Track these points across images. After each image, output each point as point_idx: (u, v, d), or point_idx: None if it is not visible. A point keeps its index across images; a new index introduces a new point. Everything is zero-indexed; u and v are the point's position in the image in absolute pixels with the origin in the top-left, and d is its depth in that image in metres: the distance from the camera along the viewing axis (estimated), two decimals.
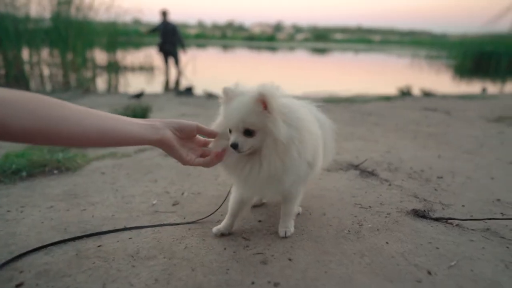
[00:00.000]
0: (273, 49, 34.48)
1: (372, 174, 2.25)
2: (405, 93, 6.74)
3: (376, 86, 10.08)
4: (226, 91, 1.24)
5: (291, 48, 37.11)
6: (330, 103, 5.53)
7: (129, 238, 1.43)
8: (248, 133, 1.18)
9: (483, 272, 1.23)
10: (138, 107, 3.82)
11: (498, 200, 1.89)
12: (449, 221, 1.62)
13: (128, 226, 1.54)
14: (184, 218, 1.64)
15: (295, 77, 12.80)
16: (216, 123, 1.32)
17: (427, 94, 6.74)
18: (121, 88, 9.99)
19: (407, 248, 1.39)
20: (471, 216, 1.67)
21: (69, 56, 8.98)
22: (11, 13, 7.82)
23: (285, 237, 1.45)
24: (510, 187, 2.09)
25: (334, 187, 2.01)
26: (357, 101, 5.78)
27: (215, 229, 1.48)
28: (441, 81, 13.10)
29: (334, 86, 9.52)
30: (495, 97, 7.24)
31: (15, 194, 1.90)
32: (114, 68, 10.49)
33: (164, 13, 9.94)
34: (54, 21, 8.56)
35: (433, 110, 4.99)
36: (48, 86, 8.67)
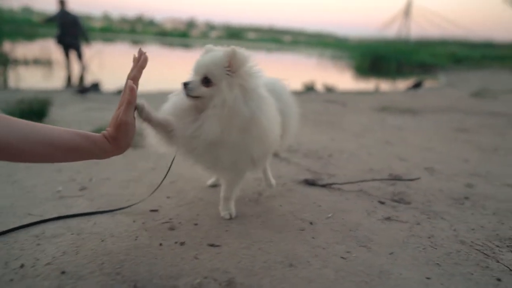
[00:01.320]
0: (186, 46, 33.95)
1: (273, 155, 2.52)
2: (310, 88, 7.40)
3: (285, 82, 10.77)
4: (207, 47, 1.31)
5: (205, 45, 37.05)
6: None
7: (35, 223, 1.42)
8: (206, 81, 1.19)
9: (351, 219, 1.55)
10: (35, 100, 3.49)
11: (371, 169, 2.31)
12: (332, 186, 1.95)
13: (31, 213, 1.51)
14: (92, 200, 1.66)
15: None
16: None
17: (329, 90, 7.50)
18: (12, 83, 8.91)
19: (296, 208, 1.65)
20: (349, 181, 2.03)
21: None
22: None
23: (231, 218, 1.49)
24: (381, 159, 2.55)
25: None
26: None
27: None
28: (343, 79, 14.53)
29: None
30: (384, 93, 8.36)
31: None
32: (1, 61, 9.29)
33: (61, 2, 9.12)
34: None
35: (332, 102, 5.61)
36: None
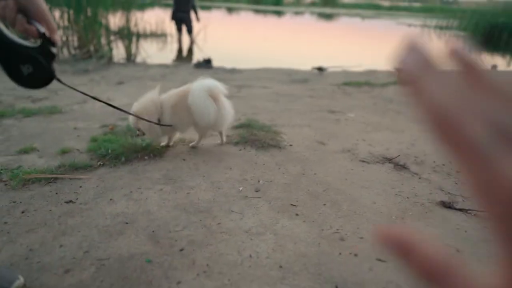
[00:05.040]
0: (279, 13, 33.84)
1: (404, 167, 2.76)
2: None
3: (385, 59, 10.38)
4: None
5: (298, 13, 36.44)
6: (352, 87, 5.94)
7: (240, 219, 1.96)
8: None
9: None
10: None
11: None
12: (469, 211, 2.16)
13: (232, 209, 2.06)
14: (270, 202, 2.16)
15: (307, 48, 12.96)
16: None
17: None
18: (138, 57, 10.09)
19: (440, 232, 1.93)
20: None
21: (84, 20, 8.92)
22: None
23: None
24: None
25: (377, 179, 2.52)
26: (376, 85, 6.18)
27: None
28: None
29: (344, 60, 9.80)
30: (506, 75, 7.57)
31: (126, 177, 2.41)
32: (126, 35, 10.50)
33: None
34: None
35: None
36: (64, 54, 8.71)
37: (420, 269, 0.20)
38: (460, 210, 2.17)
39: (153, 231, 1.82)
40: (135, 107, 2.60)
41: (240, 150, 2.95)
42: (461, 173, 0.19)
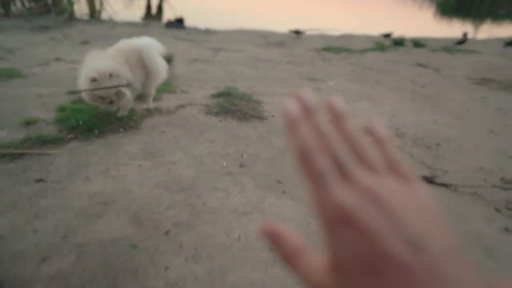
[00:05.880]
0: None
1: None
2: (398, 43, 7.09)
3: (362, 23, 10.29)
4: None
5: None
6: (331, 53, 5.83)
7: (226, 198, 1.89)
8: None
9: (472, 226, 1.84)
10: None
11: (482, 168, 2.49)
12: (449, 186, 2.21)
13: (216, 186, 1.99)
14: (255, 179, 2.10)
15: (282, 9, 12.52)
16: None
17: (417, 45, 7.13)
18: (103, 15, 9.38)
19: None
20: (464, 183, 2.26)
21: None
22: None
23: None
24: (489, 155, 2.69)
25: None
26: (355, 52, 6.10)
27: None
28: (422, 19, 13.36)
29: (320, 23, 9.61)
30: (476, 51, 7.64)
31: (101, 152, 2.25)
32: None
33: None
34: None
35: (425, 67, 5.46)
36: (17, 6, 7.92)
37: (282, 251, 0.27)
38: (441, 185, 2.22)
39: (135, 212, 1.73)
40: (109, 69, 2.34)
41: (220, 121, 2.83)
42: (308, 193, 0.26)
